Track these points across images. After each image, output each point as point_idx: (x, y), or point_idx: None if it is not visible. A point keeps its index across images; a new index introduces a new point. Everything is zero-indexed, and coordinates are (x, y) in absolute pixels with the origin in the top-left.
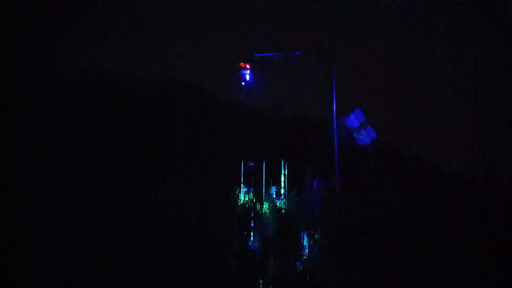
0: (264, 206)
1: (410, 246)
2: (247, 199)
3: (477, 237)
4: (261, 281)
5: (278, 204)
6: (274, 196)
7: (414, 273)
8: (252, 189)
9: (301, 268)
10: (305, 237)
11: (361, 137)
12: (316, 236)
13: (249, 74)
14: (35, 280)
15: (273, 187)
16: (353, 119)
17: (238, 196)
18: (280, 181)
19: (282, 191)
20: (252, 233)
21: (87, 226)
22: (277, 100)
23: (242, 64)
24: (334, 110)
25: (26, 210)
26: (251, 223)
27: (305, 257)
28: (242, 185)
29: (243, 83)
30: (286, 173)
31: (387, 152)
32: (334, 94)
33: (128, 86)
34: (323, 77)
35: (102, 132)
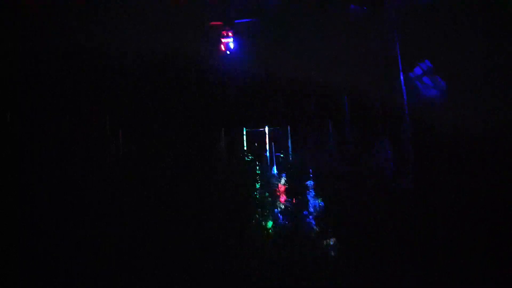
0: None
1: (411, 244)
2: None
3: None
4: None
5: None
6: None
7: (414, 273)
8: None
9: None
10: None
11: (425, 85)
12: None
13: (233, 42)
14: (35, 280)
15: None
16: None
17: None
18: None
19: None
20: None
21: (87, 226)
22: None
23: (224, 32)
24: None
25: (26, 210)
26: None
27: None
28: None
29: (228, 52)
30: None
31: None
32: None
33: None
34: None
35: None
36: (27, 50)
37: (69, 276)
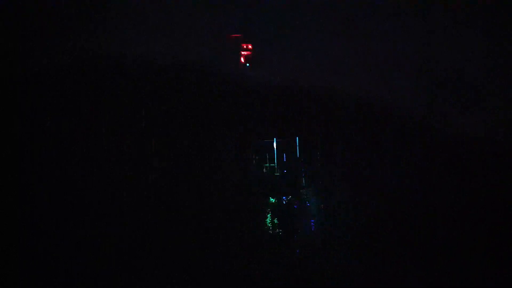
0: None
1: (411, 243)
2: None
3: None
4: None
5: None
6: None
7: (414, 273)
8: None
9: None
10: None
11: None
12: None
13: (250, 53)
14: (35, 280)
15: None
16: None
17: None
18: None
19: None
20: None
21: (87, 226)
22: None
23: (244, 45)
24: None
25: (26, 210)
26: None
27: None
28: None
29: (247, 65)
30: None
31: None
32: None
33: (122, 68)
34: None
35: (100, 129)
36: (27, 50)
37: (69, 276)
